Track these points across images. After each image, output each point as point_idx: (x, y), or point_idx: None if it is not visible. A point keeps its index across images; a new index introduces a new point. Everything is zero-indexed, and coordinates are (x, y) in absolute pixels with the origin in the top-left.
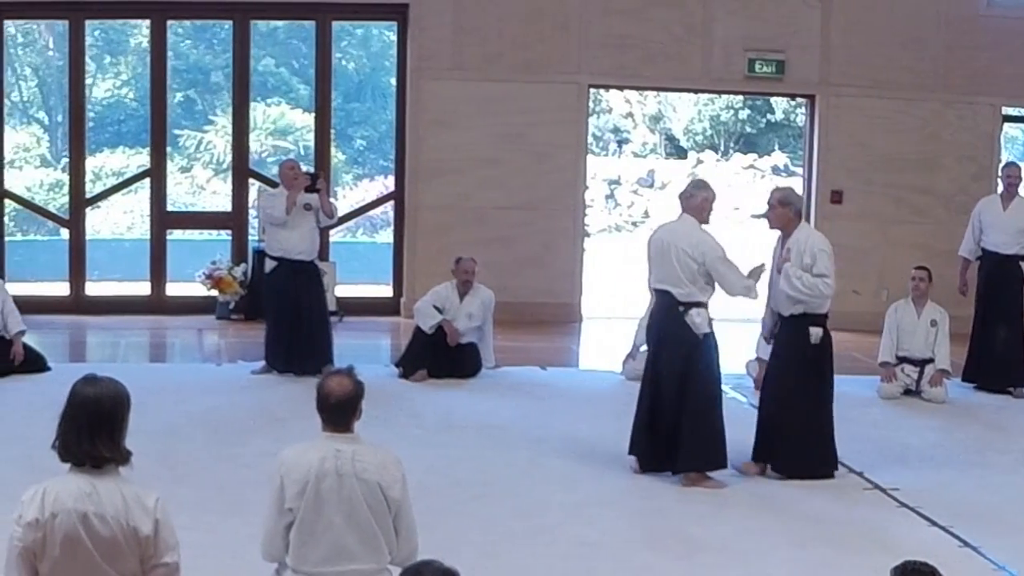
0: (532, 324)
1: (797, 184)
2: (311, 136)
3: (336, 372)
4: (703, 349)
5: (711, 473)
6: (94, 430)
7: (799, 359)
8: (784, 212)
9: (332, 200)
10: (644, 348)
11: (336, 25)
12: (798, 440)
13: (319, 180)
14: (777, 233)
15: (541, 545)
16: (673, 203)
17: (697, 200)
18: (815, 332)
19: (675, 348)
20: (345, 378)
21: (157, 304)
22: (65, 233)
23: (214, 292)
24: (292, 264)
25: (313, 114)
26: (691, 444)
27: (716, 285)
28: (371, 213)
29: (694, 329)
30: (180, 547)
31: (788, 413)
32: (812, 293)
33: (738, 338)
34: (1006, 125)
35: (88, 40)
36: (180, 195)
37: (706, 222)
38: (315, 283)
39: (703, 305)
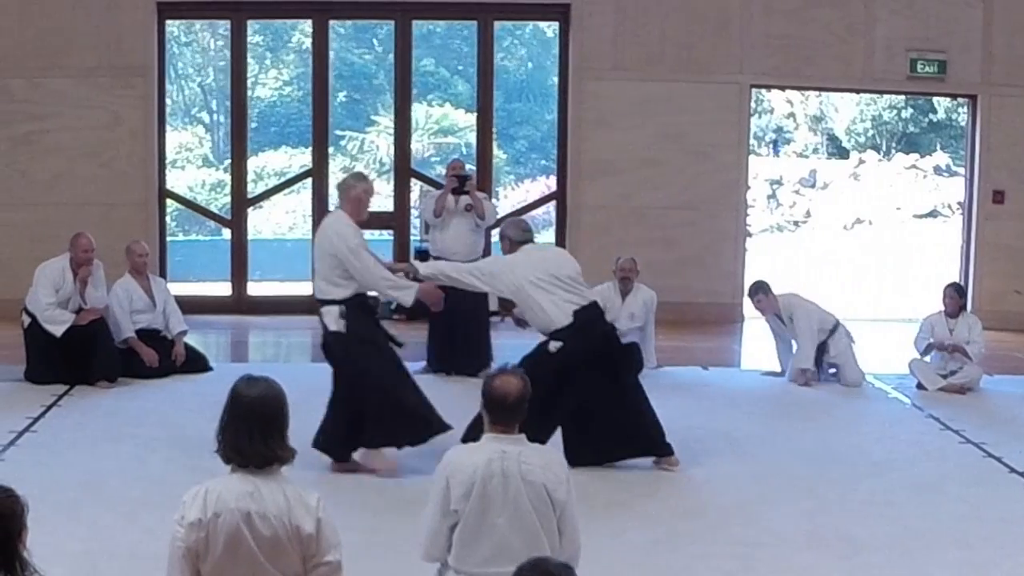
0: (694, 324)
1: (959, 184)
2: (473, 136)
3: (503, 372)
4: (336, 347)
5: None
6: (265, 430)
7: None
8: (504, 244)
9: (493, 202)
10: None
11: (497, 24)
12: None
13: (467, 182)
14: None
15: (703, 544)
16: (835, 203)
17: (355, 192)
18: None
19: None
20: (513, 377)
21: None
22: (227, 233)
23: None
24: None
25: (475, 114)
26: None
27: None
28: (533, 213)
29: (327, 326)
30: (342, 546)
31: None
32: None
33: (898, 338)
34: None
35: (250, 40)
36: None
37: (362, 216)
38: None
39: (335, 303)
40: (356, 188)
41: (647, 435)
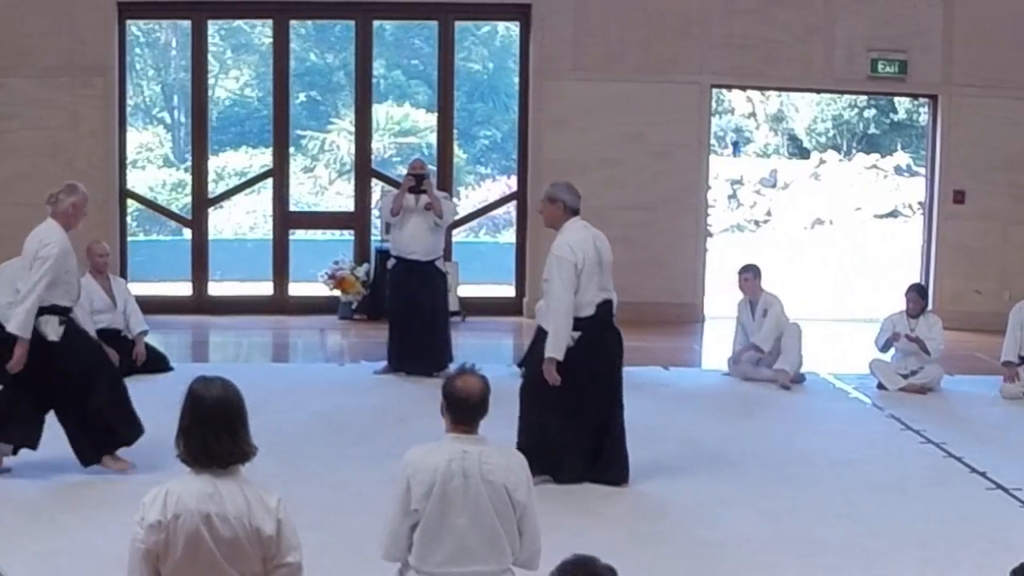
0: (654, 324)
1: (920, 184)
2: (434, 136)
3: (462, 372)
4: (57, 356)
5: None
6: (232, 428)
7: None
8: (553, 208)
9: (454, 201)
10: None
11: (459, 24)
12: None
13: (425, 181)
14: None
15: (664, 546)
16: (796, 203)
17: (63, 207)
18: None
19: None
20: (473, 377)
21: (279, 304)
22: (188, 233)
23: (336, 292)
24: (409, 263)
25: (436, 114)
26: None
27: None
28: (493, 213)
29: (46, 335)
30: (302, 547)
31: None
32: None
33: (859, 338)
34: None
35: (210, 40)
36: (303, 195)
37: (73, 225)
38: (432, 284)
39: (53, 311)
40: (64, 203)
41: (615, 465)
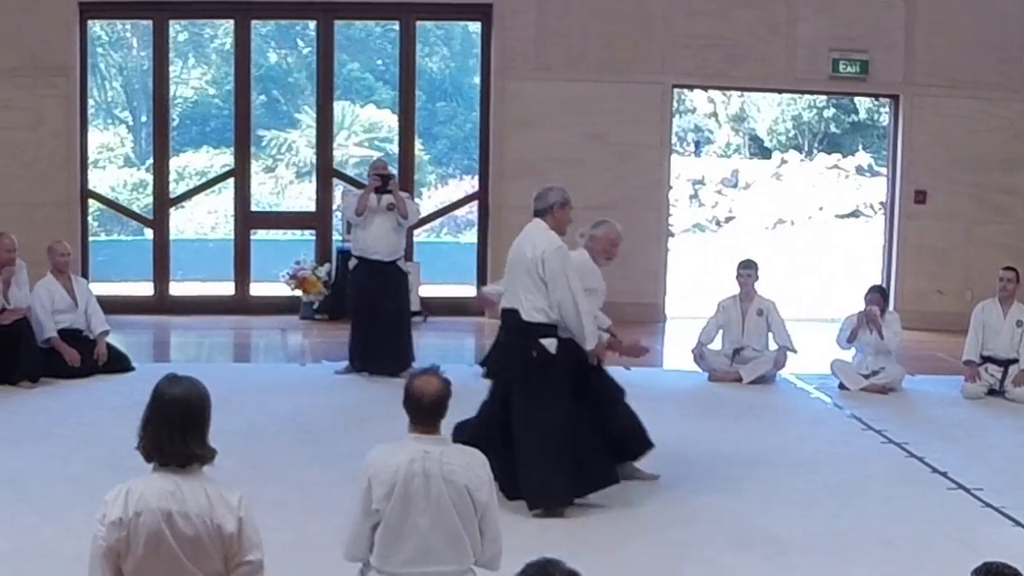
0: (616, 324)
1: (881, 184)
2: (396, 136)
3: (424, 372)
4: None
5: None
6: (186, 429)
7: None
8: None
9: (416, 201)
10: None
11: (421, 24)
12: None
13: (390, 181)
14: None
15: (629, 546)
16: (758, 203)
17: (586, 239)
18: (549, 342)
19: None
20: (434, 377)
21: (241, 304)
22: (149, 233)
23: (298, 292)
24: (371, 264)
25: (397, 114)
26: None
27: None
28: (455, 213)
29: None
30: (264, 546)
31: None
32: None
33: (820, 339)
34: None
35: (172, 40)
36: (264, 195)
37: (610, 256)
38: (394, 284)
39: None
40: (587, 236)
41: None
